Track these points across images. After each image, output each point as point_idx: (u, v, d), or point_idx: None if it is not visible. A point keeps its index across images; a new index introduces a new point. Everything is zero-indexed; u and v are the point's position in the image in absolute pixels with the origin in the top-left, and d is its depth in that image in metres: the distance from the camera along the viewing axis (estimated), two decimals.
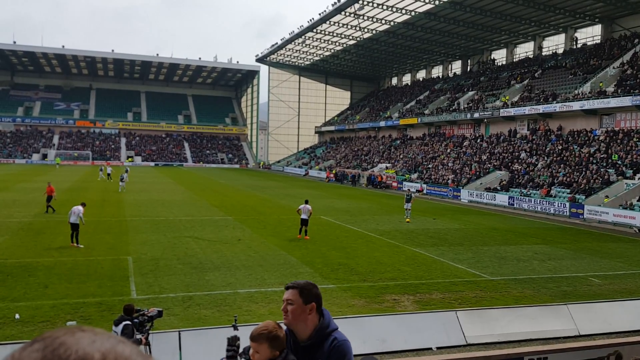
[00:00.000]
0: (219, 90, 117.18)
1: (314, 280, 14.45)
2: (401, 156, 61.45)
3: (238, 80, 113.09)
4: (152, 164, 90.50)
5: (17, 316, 10.77)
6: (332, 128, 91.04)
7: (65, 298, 12.23)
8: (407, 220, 27.18)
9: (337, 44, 77.06)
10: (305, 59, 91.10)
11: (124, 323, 7.62)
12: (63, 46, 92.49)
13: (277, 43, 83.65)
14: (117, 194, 37.49)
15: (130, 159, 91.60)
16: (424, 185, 47.36)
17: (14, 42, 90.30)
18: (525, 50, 63.26)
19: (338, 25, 67.19)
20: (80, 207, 18.11)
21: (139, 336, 7.60)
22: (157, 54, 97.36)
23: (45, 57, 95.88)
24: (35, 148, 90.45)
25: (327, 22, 66.12)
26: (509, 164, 43.92)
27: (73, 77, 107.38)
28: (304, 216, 20.92)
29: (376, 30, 66.97)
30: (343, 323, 10.38)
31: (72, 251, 17.44)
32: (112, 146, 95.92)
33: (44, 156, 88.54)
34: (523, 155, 44.13)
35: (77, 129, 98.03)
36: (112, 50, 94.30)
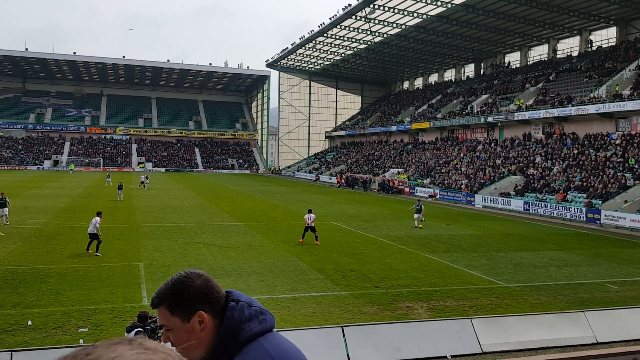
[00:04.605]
0: (230, 96, 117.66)
1: (324, 287, 14.40)
2: (413, 161, 61.11)
3: (248, 86, 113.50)
4: (163, 169, 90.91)
5: (29, 323, 10.73)
6: (342, 133, 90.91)
7: (77, 305, 12.17)
8: (420, 226, 26.89)
9: (347, 48, 77.03)
10: (315, 64, 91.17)
11: (136, 330, 7.55)
12: (74, 52, 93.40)
13: (287, 48, 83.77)
14: (128, 200, 37.56)
15: (141, 165, 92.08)
16: (437, 190, 46.99)
17: (26, 49, 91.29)
18: (539, 53, 62.76)
19: (349, 30, 67.14)
20: (97, 218, 17.99)
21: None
22: (168, 60, 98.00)
23: (56, 64, 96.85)
24: (47, 154, 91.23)
25: (338, 26, 66.12)
26: (524, 168, 43.45)
27: (84, 84, 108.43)
28: (307, 222, 21.29)
29: (387, 34, 66.83)
30: (355, 330, 10.27)
31: (83, 258, 17.43)
32: (123, 152, 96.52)
33: (56, 163, 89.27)
34: (538, 159, 43.64)
35: (89, 135, 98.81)
36: (123, 57, 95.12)
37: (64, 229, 23.45)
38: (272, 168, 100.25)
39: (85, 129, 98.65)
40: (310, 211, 21.92)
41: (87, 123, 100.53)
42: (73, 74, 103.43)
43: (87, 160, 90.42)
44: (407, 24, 61.85)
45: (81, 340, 9.62)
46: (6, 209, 22.49)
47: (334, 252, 19.60)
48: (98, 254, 17.66)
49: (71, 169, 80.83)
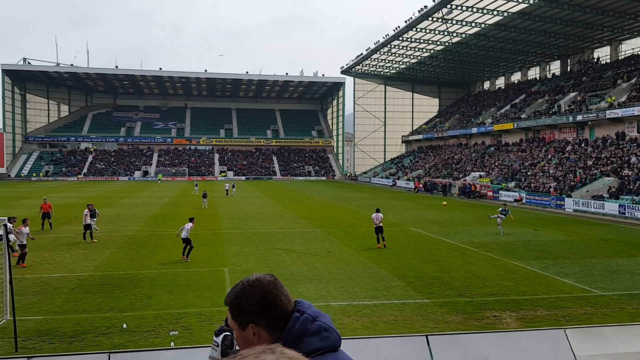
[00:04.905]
0: (305, 104, 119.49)
1: (406, 295, 14.11)
2: (496, 164, 58.92)
3: (323, 93, 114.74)
4: (243, 178, 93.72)
5: (124, 325, 11.32)
6: (420, 137, 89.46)
7: (168, 308, 12.71)
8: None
9: (424, 50, 75.86)
10: (390, 68, 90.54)
11: (224, 334, 7.72)
12: (160, 68, 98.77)
13: (362, 54, 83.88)
14: (212, 208, 38.97)
15: (223, 174, 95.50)
16: (523, 194, 44.92)
17: (116, 67, 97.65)
18: (631, 46, 58.71)
19: (425, 32, 66.11)
20: (190, 224, 18.81)
21: (238, 347, 7.65)
22: (247, 72, 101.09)
23: (144, 80, 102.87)
24: (137, 166, 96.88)
25: (414, 29, 65.30)
26: (618, 169, 40.62)
27: (169, 97, 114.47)
28: (376, 223, 21.17)
29: (466, 34, 65.13)
30: (440, 339, 9.95)
31: (173, 263, 18.23)
32: (207, 162, 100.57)
33: (145, 173, 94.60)
34: (633, 159, 40.65)
35: (175, 146, 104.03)
36: (205, 70, 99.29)
37: (154, 236, 24.68)
38: (348, 174, 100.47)
39: (172, 141, 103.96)
40: (378, 210, 21.70)
41: (173, 135, 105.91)
42: (159, 88, 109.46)
43: (173, 170, 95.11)
44: (486, 22, 59.95)
45: (172, 343, 10.02)
46: (95, 219, 24.04)
47: (414, 259, 19.22)
48: (187, 259, 18.39)
49: (159, 179, 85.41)
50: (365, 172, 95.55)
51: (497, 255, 20.08)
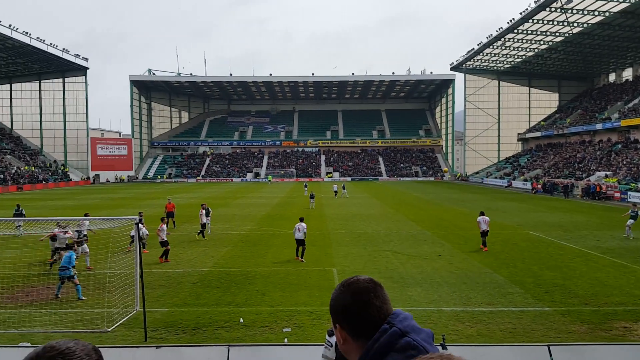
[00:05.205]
0: (412, 103, 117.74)
1: (525, 302, 13.31)
2: (624, 162, 53.93)
3: (431, 91, 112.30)
4: (349, 179, 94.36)
5: (241, 320, 11.84)
6: (537, 134, 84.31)
7: (280, 305, 13.10)
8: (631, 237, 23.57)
9: (541, 42, 71.46)
10: (504, 62, 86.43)
11: None
12: (270, 74, 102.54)
13: (473, 49, 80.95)
14: (319, 209, 39.64)
15: (329, 175, 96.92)
16: None
17: (230, 75, 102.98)
18: None
19: (542, 23, 62.27)
20: (304, 224, 19.03)
21: None
22: (353, 73, 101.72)
23: (255, 86, 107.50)
24: (249, 168, 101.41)
25: (530, 20, 61.82)
26: None
27: (279, 102, 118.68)
28: (484, 227, 20.59)
29: (588, 24, 60.40)
30: (564, 350, 9.22)
31: (284, 262, 18.77)
32: (313, 163, 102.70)
33: (256, 175, 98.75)
34: None
35: (283, 149, 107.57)
36: (312, 74, 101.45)
37: (266, 235, 25.61)
38: (458, 174, 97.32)
39: (280, 144, 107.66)
40: (482, 213, 21.04)
41: (282, 138, 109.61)
42: (269, 93, 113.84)
43: (282, 172, 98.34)
44: (611, 10, 55.17)
45: (285, 340, 10.28)
46: (209, 217, 25.48)
47: (533, 265, 18.10)
48: (302, 259, 18.73)
49: (269, 180, 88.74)
50: (477, 173, 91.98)
51: (626, 262, 18.33)
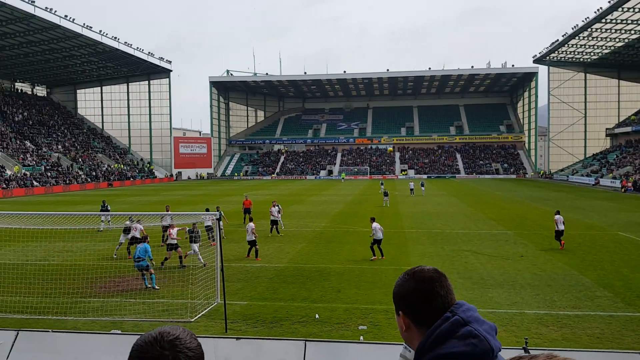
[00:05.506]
0: (492, 97, 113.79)
1: (614, 306, 12.50)
2: None
3: (513, 85, 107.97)
4: (425, 176, 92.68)
5: (317, 316, 11.96)
6: (627, 129, 78.78)
7: (356, 303, 13.09)
8: None
9: (632, 32, 66.77)
10: (591, 54, 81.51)
11: None
12: (344, 71, 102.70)
13: (557, 40, 77.02)
14: (394, 206, 39.25)
15: (404, 172, 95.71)
16: None
17: (304, 73, 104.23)
18: None
19: (634, 11, 58.11)
20: (378, 224, 18.86)
21: None
22: (429, 68, 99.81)
23: (329, 83, 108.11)
24: (322, 165, 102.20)
25: (619, 9, 57.92)
26: None
27: (352, 99, 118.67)
28: (560, 227, 20.34)
29: None
30: None
31: (358, 260, 18.75)
32: (387, 161, 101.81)
33: (329, 172, 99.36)
34: None
35: (357, 146, 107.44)
36: (387, 70, 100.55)
37: (340, 232, 25.70)
38: (542, 172, 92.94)
39: (354, 141, 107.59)
40: (558, 212, 20.65)
41: (355, 135, 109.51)
42: (343, 90, 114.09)
43: (355, 169, 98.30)
44: None
45: (361, 337, 10.26)
46: (280, 214, 25.90)
47: (623, 267, 16.96)
48: (382, 257, 18.54)
49: (343, 178, 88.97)
50: (561, 170, 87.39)
51: None
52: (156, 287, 14.78)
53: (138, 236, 17.97)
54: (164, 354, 1.37)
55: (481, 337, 1.60)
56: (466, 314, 1.67)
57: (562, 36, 74.37)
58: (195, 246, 17.76)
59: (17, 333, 9.84)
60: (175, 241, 17.82)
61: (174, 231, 17.99)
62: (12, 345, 9.56)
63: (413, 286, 1.76)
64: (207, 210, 23.40)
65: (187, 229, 18.16)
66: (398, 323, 1.80)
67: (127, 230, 19.46)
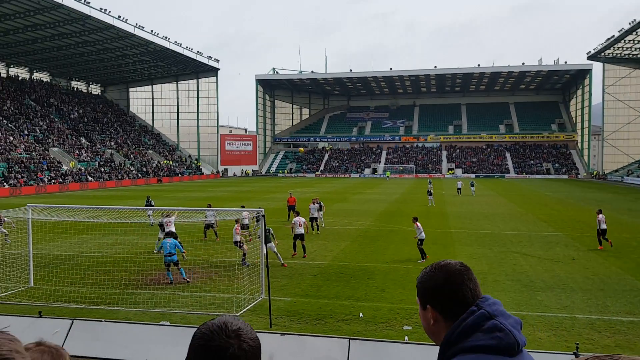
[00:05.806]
0: (544, 95, 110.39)
1: None
2: None
3: (565, 83, 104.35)
4: (473, 175, 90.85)
5: (360, 315, 11.92)
6: None
7: (400, 303, 12.97)
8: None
9: None
10: None
11: None
12: (391, 68, 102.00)
13: (613, 36, 73.92)
14: (439, 206, 38.67)
15: (451, 171, 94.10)
16: None
17: (350, 70, 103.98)
18: None
19: None
20: (419, 223, 18.64)
21: None
22: (478, 65, 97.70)
23: (375, 81, 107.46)
24: (367, 163, 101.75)
25: None
26: None
27: (398, 96, 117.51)
28: (602, 226, 20.22)
29: None
30: None
31: (403, 260, 18.57)
32: (434, 159, 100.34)
33: (374, 170, 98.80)
34: None
35: (402, 144, 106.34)
36: (435, 67, 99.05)
37: (384, 231, 25.52)
38: (595, 172, 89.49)
39: (399, 139, 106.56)
40: (600, 211, 20.43)
41: (401, 133, 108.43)
42: (389, 88, 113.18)
43: (400, 168, 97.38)
44: None
45: (406, 337, 10.16)
46: (322, 211, 26.00)
47: None
48: (425, 258, 18.25)
49: (388, 176, 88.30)
50: (616, 171, 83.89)
51: None
52: (187, 279, 15.06)
53: (174, 230, 18.18)
54: (229, 342, 1.41)
55: (507, 331, 1.62)
56: (492, 308, 1.69)
57: (619, 32, 71.35)
58: (273, 247, 17.06)
59: (72, 322, 10.27)
60: (238, 237, 17.88)
61: (239, 227, 18.20)
62: (68, 333, 9.99)
63: (443, 280, 1.77)
64: (243, 207, 23.84)
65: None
66: (424, 317, 1.81)
67: (162, 226, 19.95)
